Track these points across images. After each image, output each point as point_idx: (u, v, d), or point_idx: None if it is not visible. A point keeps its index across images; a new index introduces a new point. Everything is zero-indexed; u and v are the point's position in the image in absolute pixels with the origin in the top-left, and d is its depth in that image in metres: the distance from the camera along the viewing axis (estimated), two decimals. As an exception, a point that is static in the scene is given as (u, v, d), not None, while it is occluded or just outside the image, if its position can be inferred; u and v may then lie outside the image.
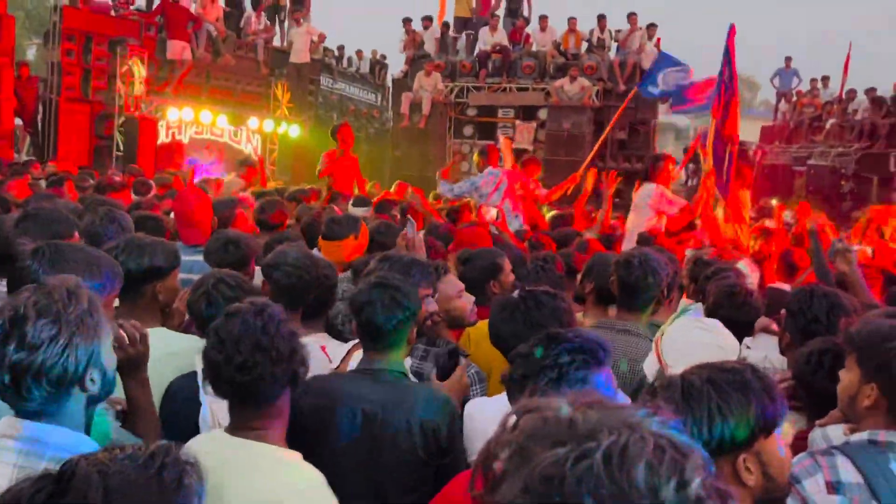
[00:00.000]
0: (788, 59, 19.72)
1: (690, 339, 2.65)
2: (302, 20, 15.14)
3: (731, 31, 6.54)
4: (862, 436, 1.78)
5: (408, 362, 2.47)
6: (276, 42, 15.93)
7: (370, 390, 1.97)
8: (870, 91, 17.85)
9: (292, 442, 1.95)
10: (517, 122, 14.94)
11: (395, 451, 1.90)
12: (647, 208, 6.64)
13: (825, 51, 19.31)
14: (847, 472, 1.67)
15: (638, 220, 6.52)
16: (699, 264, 3.61)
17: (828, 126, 18.35)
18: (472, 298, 2.95)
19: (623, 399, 1.60)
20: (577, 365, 1.59)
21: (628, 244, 5.75)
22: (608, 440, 0.71)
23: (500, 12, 16.27)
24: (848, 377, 1.84)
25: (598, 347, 1.64)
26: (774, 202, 13.73)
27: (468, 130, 15.45)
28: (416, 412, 1.91)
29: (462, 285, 2.92)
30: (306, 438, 2.00)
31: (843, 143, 17.78)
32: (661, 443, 0.72)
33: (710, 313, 2.80)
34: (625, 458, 0.70)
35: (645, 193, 6.62)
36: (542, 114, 14.79)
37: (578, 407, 0.78)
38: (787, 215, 10.98)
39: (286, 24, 15.95)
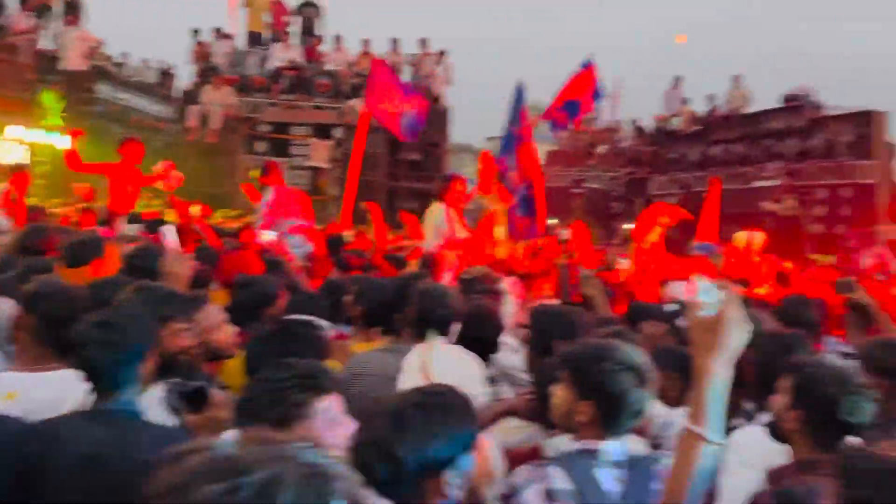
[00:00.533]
0: (567, 90, 21.44)
1: (459, 363, 2.80)
2: (76, 24, 13.99)
3: (520, 90, 7.06)
4: (576, 445, 1.96)
5: (159, 396, 2.36)
6: (46, 45, 14.56)
7: (94, 432, 1.86)
8: (634, 122, 19.93)
9: (16, 489, 1.81)
10: (313, 139, 14.86)
11: (118, 495, 1.80)
12: (437, 229, 6.91)
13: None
14: (560, 480, 1.84)
15: (432, 242, 6.76)
16: (466, 284, 3.81)
17: (601, 152, 20.20)
18: (236, 329, 2.88)
19: (351, 424, 1.65)
20: (298, 389, 1.63)
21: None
22: (261, 473, 0.79)
23: (294, 29, 16.13)
24: (563, 394, 2.01)
25: (321, 374, 1.68)
26: (554, 221, 14.86)
27: (261, 147, 15.09)
28: (143, 452, 1.83)
29: (224, 316, 2.84)
30: (29, 485, 1.86)
31: (613, 168, 19.69)
32: (309, 472, 0.81)
33: (461, 333, 2.96)
34: (273, 489, 0.78)
35: (437, 215, 6.90)
36: (338, 132, 14.84)
37: (243, 444, 0.86)
38: (564, 233, 11.93)
39: (57, 27, 14.65)
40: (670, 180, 17.78)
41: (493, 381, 3.06)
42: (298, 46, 15.67)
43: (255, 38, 16.05)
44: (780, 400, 2.11)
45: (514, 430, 2.66)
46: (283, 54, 15.11)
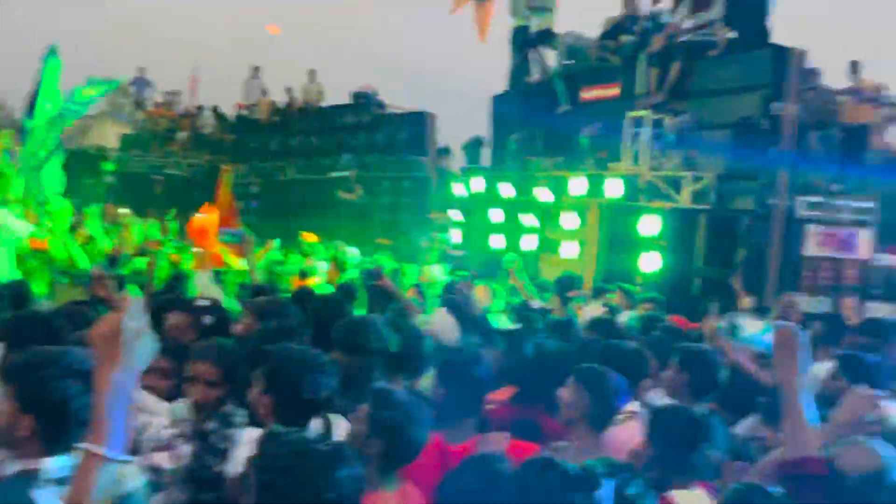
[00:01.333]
0: (142, 69, 20.03)
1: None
2: None
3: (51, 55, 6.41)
4: (16, 466, 1.72)
5: None
6: None
7: None
8: (215, 109, 19.51)
9: None
10: None
11: None
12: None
13: (175, 65, 20.28)
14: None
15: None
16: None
17: (182, 138, 19.31)
18: None
19: None
20: None
21: None
22: None
23: None
24: (5, 409, 1.75)
25: None
26: (126, 210, 13.84)
27: None
28: None
29: None
30: None
31: (194, 154, 19.00)
32: None
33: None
34: None
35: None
36: None
37: None
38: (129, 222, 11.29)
39: None
40: (251, 169, 17.82)
41: None
42: None
43: None
44: (254, 388, 2.13)
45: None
46: None
